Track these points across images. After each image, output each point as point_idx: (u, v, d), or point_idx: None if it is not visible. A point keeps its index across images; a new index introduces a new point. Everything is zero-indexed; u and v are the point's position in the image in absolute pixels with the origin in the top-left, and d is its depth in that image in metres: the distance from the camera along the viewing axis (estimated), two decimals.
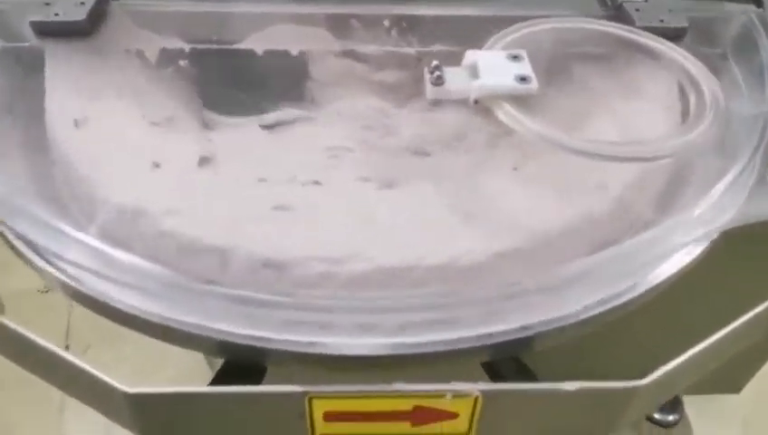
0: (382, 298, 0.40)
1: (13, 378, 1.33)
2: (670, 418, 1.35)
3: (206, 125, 0.61)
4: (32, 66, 0.60)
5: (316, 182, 0.52)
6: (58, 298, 1.45)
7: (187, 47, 0.63)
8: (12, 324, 0.40)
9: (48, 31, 0.58)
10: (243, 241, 0.43)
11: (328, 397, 0.38)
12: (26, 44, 0.61)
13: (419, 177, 0.50)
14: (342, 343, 0.40)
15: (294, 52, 0.64)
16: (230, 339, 0.40)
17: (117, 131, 0.55)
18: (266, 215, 0.46)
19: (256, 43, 0.64)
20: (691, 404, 1.36)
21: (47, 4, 0.59)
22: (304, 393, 0.38)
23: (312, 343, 0.39)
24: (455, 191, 0.49)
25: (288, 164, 0.52)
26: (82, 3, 0.59)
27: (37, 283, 1.45)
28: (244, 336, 0.40)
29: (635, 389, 0.38)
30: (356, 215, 0.47)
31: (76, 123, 0.55)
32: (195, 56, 0.63)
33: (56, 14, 0.58)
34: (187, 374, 1.33)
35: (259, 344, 0.40)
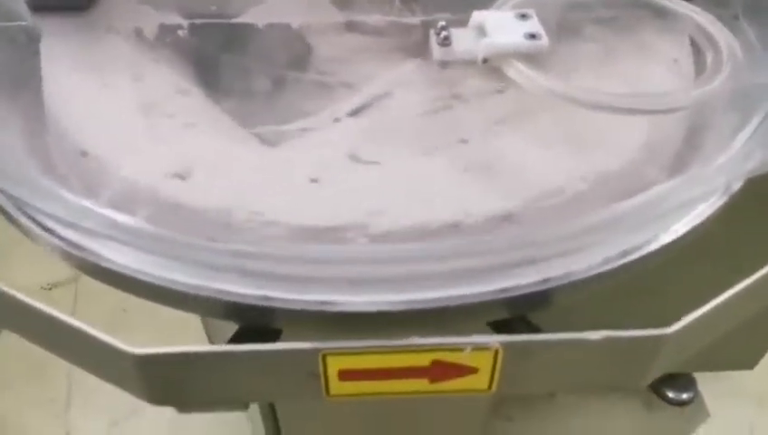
0: (395, 252, 0.39)
1: (19, 376, 1.33)
2: (684, 396, 1.33)
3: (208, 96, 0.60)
4: (27, 45, 0.60)
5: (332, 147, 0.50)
6: (62, 294, 1.44)
7: (185, 22, 0.62)
8: (13, 291, 0.39)
9: (45, 6, 0.57)
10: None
11: (342, 353, 0.36)
12: (22, 23, 0.60)
13: (431, 137, 0.49)
14: (354, 300, 0.38)
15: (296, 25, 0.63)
16: (237, 300, 0.38)
17: (115, 106, 0.54)
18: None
19: (257, 16, 0.63)
20: (705, 383, 1.34)
21: None
22: (317, 350, 0.36)
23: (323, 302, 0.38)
24: (468, 150, 0.48)
25: (299, 129, 0.51)
26: None
27: (40, 279, 1.44)
28: (252, 296, 0.38)
29: (663, 337, 0.36)
30: (372, 178, 0.46)
31: (73, 98, 0.54)
32: (194, 31, 0.62)
33: None
34: None
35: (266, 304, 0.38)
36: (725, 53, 0.49)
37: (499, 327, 0.46)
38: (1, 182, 0.44)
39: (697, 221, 0.44)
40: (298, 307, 0.39)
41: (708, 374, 1.36)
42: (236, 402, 0.42)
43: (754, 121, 0.46)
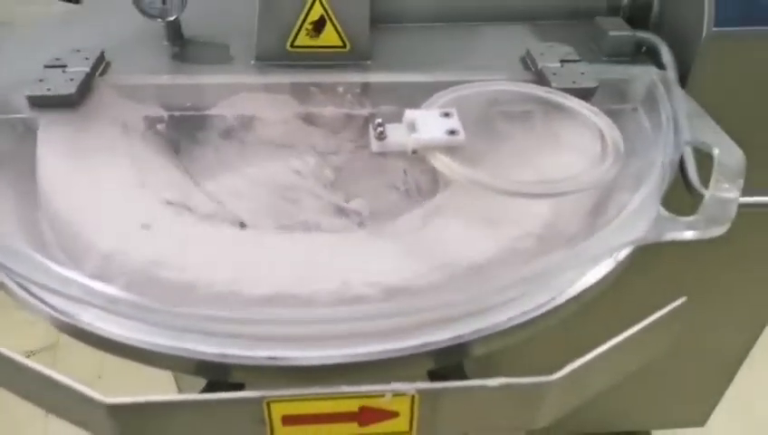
0: (336, 315, 0.47)
1: None
2: None
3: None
4: (24, 134, 0.68)
5: (280, 226, 0.59)
6: (41, 359, 1.47)
7: (164, 114, 0.72)
8: (6, 351, 0.45)
9: (42, 103, 0.66)
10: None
11: (284, 400, 0.44)
12: (21, 116, 0.68)
13: (366, 215, 0.57)
14: (299, 355, 0.46)
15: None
16: (201, 357, 0.46)
17: (101, 188, 0.62)
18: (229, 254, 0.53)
19: (226, 108, 0.73)
20: None
21: (40, 80, 0.68)
22: (262, 398, 0.43)
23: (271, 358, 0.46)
24: (396, 229, 0.56)
25: (253, 204, 0.59)
26: (72, 79, 0.68)
27: (20, 347, 1.48)
28: (213, 354, 0.46)
29: (548, 383, 0.44)
30: (314, 251, 0.54)
31: (65, 182, 0.62)
32: (171, 121, 0.71)
33: (48, 89, 0.66)
34: None
35: (225, 361, 0.46)
36: (611, 145, 0.59)
37: (437, 376, 0.54)
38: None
39: (587, 285, 0.52)
40: (250, 363, 0.46)
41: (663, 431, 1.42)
42: None
43: (632, 203, 0.56)
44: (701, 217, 0.53)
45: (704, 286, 0.99)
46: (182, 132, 0.71)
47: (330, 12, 0.72)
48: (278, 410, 0.44)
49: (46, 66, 0.70)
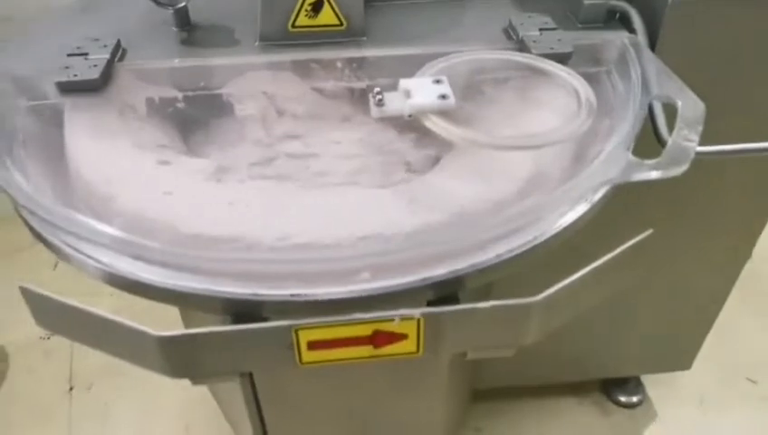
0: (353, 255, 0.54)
1: (22, 421, 1.42)
2: (634, 399, 1.49)
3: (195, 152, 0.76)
4: (53, 119, 0.75)
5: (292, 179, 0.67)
6: (60, 343, 1.55)
7: (179, 94, 0.78)
8: (46, 293, 0.53)
9: (70, 88, 0.73)
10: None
11: (310, 327, 0.51)
12: (49, 102, 0.75)
13: (371, 173, 0.65)
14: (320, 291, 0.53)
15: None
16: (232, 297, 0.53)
17: (123, 160, 0.69)
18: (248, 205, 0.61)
19: (236, 87, 0.79)
20: (652, 386, 1.50)
21: (66, 68, 0.74)
22: (291, 326, 0.51)
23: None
24: (399, 182, 0.64)
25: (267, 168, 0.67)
26: (95, 65, 0.75)
27: (39, 331, 1.56)
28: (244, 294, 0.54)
29: (532, 303, 0.52)
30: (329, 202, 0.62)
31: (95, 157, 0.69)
32: (186, 100, 0.78)
33: (75, 75, 0.73)
34: (189, 405, 1.43)
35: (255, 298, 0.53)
36: (584, 102, 0.66)
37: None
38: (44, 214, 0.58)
39: (566, 224, 0.60)
40: (277, 299, 0.54)
41: (654, 378, 1.52)
42: (233, 373, 0.56)
43: (609, 147, 0.63)
44: (663, 159, 0.60)
45: (680, 231, 1.07)
46: (209, 111, 0.78)
47: None
48: (304, 337, 0.52)
49: (69, 54, 0.76)
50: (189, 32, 0.86)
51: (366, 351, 0.54)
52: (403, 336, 0.53)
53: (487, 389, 1.38)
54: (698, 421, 1.46)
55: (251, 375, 0.81)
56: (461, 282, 0.56)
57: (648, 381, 1.53)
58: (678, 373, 1.46)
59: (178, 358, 0.52)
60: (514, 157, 0.65)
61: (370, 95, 0.69)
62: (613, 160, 0.63)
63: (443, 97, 0.66)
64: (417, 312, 0.52)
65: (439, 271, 0.55)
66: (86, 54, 0.76)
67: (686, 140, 0.63)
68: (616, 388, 1.51)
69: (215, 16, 0.88)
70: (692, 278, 1.18)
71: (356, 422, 0.99)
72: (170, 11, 0.84)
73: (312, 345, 0.53)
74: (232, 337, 0.51)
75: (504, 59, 0.74)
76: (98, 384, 1.48)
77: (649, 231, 0.59)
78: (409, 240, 0.57)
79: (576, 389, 1.51)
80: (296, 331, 0.51)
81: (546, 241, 0.59)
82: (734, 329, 1.54)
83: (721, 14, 0.81)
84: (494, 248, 0.57)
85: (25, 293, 0.55)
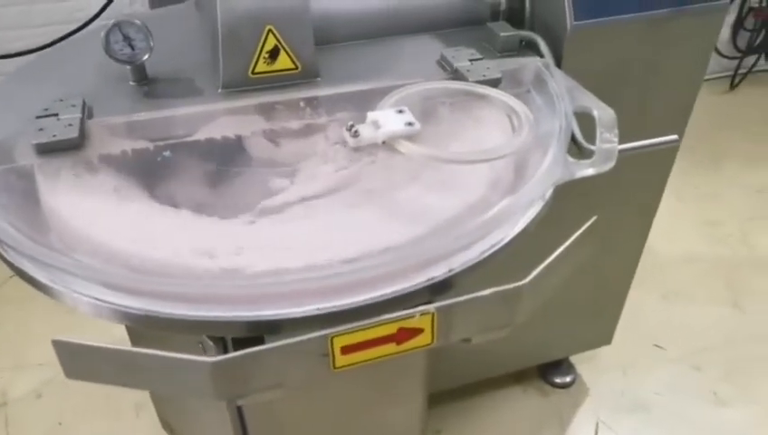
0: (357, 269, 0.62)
1: None
2: (567, 379, 1.66)
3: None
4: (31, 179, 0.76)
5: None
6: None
7: (151, 145, 0.82)
8: (85, 341, 0.56)
9: (50, 149, 0.75)
10: None
11: (343, 334, 0.58)
12: (25, 164, 0.76)
13: (354, 192, 0.74)
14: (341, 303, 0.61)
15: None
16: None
17: (105, 208, 0.73)
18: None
19: (205, 133, 0.84)
20: (580, 365, 1.68)
21: (41, 129, 0.76)
22: (328, 334, 0.58)
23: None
24: (378, 199, 0.73)
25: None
26: (70, 124, 0.77)
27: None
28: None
29: (523, 285, 0.63)
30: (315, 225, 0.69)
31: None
32: (159, 150, 0.82)
33: (54, 136, 0.75)
34: None
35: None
36: (524, 118, 0.79)
37: None
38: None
39: (530, 219, 0.72)
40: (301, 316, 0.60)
41: (580, 357, 1.70)
42: (275, 387, 0.61)
43: (549, 156, 0.76)
44: (597, 158, 0.74)
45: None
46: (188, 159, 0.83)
47: (281, 41, 0.87)
48: (338, 343, 0.59)
49: (38, 117, 0.78)
50: (149, 85, 0.90)
51: (391, 348, 0.61)
52: (420, 330, 0.62)
53: (441, 391, 1.48)
54: (625, 389, 1.65)
55: None
56: (456, 278, 0.66)
57: (577, 360, 1.70)
58: (600, 351, 1.64)
59: (227, 379, 0.57)
60: (476, 169, 0.76)
61: (344, 128, 0.77)
62: (556, 164, 0.76)
63: (410, 124, 0.77)
64: (431, 307, 0.61)
65: (439, 271, 0.65)
66: (56, 115, 0.78)
67: (609, 141, 0.78)
68: (551, 372, 1.67)
69: (169, 70, 0.93)
70: (604, 262, 1.36)
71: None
72: (128, 67, 0.88)
73: (345, 350, 0.60)
74: (276, 352, 0.57)
75: (450, 87, 0.86)
76: None
77: (595, 217, 0.72)
78: (408, 249, 0.66)
79: (519, 378, 1.65)
80: (332, 338, 0.58)
81: (518, 235, 0.70)
82: (637, 302, 1.76)
83: (613, 32, 0.99)
84: (478, 247, 0.68)
85: (58, 345, 0.58)
